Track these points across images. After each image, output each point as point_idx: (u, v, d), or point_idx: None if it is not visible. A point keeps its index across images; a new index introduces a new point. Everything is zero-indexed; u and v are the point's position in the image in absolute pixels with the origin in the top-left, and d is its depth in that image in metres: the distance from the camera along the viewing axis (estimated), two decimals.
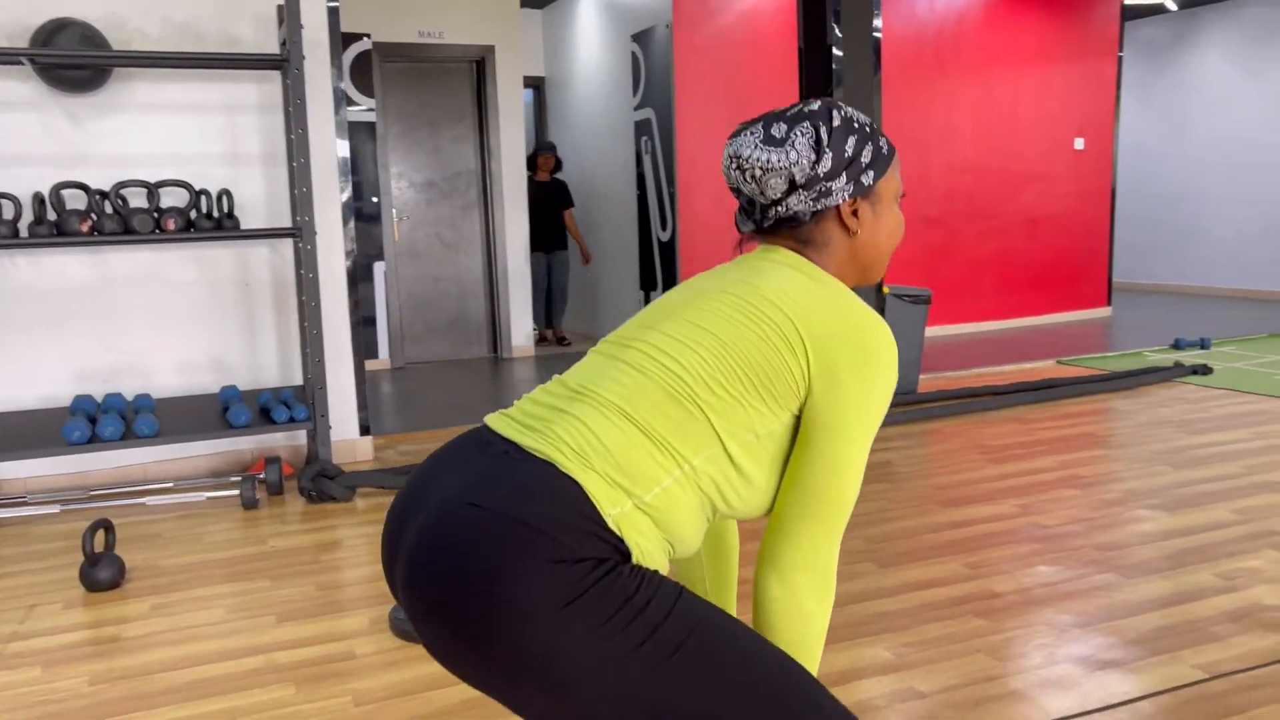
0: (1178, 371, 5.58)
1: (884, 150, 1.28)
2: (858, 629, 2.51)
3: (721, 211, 6.73)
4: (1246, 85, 9.02)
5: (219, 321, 4.14)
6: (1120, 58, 8.01)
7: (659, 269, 6.93)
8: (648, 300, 7.17)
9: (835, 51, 4.98)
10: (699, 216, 6.68)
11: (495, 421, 1.21)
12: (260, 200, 4.14)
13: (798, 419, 1.17)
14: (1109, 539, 3.10)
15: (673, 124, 6.57)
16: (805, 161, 1.22)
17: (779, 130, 1.24)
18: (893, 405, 4.96)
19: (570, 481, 1.07)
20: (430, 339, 7.33)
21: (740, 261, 1.30)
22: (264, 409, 3.96)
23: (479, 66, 7.19)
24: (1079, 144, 7.92)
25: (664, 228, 6.81)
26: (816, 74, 5.10)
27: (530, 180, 7.50)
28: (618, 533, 1.06)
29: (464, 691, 2.26)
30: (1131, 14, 9.48)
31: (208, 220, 3.79)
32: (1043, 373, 5.90)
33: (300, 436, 4.31)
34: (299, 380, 4.28)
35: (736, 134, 1.29)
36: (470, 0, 6.84)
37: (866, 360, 1.14)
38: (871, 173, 1.26)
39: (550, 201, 7.53)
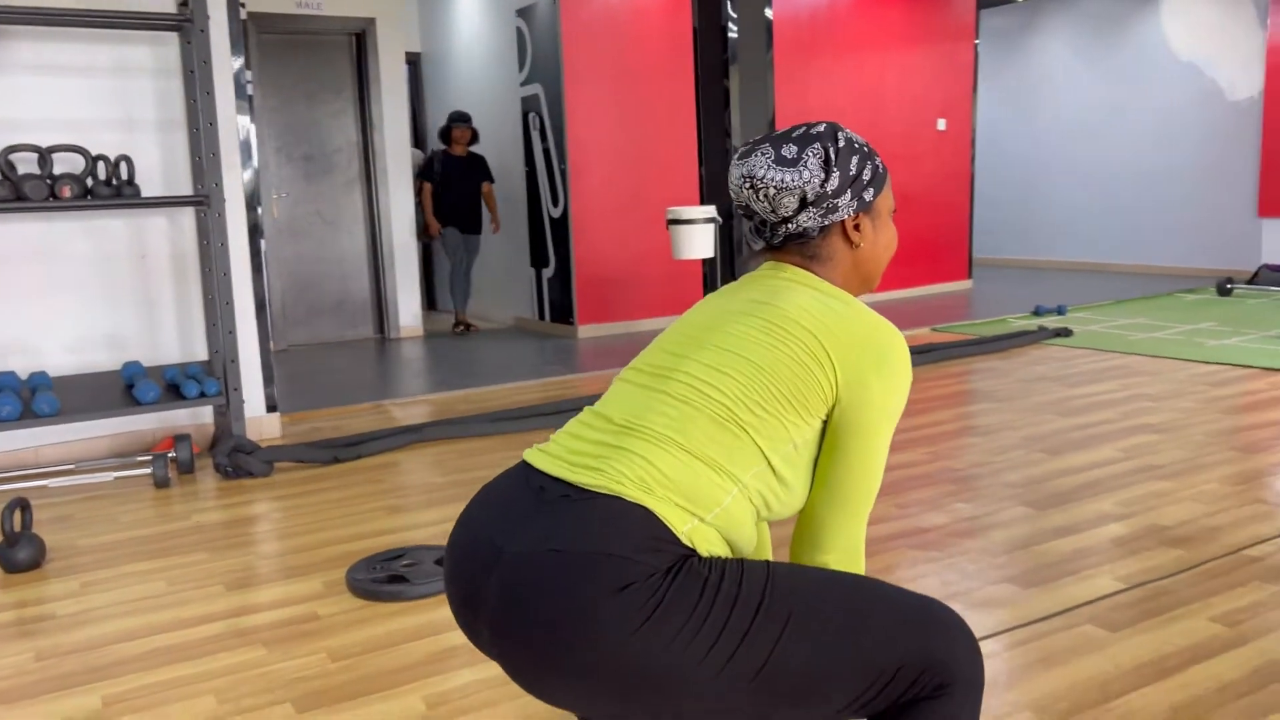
0: (1043, 334, 6.00)
1: (880, 169, 1.37)
2: None
3: (613, 187, 6.80)
4: (1087, 72, 9.71)
5: (114, 296, 3.94)
6: (976, 45, 8.49)
7: (550, 246, 6.95)
8: (539, 277, 7.18)
9: (730, 34, 5.12)
10: (591, 191, 6.74)
11: (542, 462, 1.23)
12: (156, 168, 3.96)
13: (825, 424, 1.25)
14: (1015, 478, 3.35)
15: (562, 99, 6.59)
16: (816, 180, 1.30)
17: (789, 151, 1.31)
18: None
19: (639, 508, 1.12)
20: (314, 320, 7.13)
21: (752, 281, 1.36)
22: (171, 385, 3.81)
23: (359, 39, 7.02)
24: (941, 125, 8.36)
25: (555, 204, 6.83)
26: (712, 53, 5.23)
27: (444, 154, 7.09)
28: (690, 544, 1.13)
29: (438, 643, 2.27)
30: (984, 3, 10.03)
31: (106, 188, 3.61)
32: (921, 339, 6.23)
33: (204, 414, 4.16)
34: (201, 356, 4.13)
35: (745, 155, 1.35)
36: None
37: (887, 365, 1.24)
38: (871, 190, 1.35)
39: (468, 176, 7.10)
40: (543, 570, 1.09)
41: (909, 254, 8.30)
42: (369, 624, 2.38)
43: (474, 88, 7.73)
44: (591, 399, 4.64)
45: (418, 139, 8.65)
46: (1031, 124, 10.26)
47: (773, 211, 1.33)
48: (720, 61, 5.21)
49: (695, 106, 5.42)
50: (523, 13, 6.93)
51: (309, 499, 3.41)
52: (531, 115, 6.97)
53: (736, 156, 1.37)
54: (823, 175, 1.31)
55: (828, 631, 1.11)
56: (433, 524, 3.10)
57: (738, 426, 1.19)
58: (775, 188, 1.31)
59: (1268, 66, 8.38)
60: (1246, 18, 8.55)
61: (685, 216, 5.17)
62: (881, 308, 7.63)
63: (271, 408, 4.29)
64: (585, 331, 6.83)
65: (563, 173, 6.69)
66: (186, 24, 3.59)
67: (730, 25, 5.13)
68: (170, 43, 3.93)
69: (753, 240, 1.40)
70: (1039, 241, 10.36)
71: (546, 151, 6.84)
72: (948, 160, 8.44)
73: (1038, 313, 7.03)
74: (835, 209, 1.33)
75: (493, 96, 7.48)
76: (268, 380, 4.26)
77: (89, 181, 3.63)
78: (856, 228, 1.35)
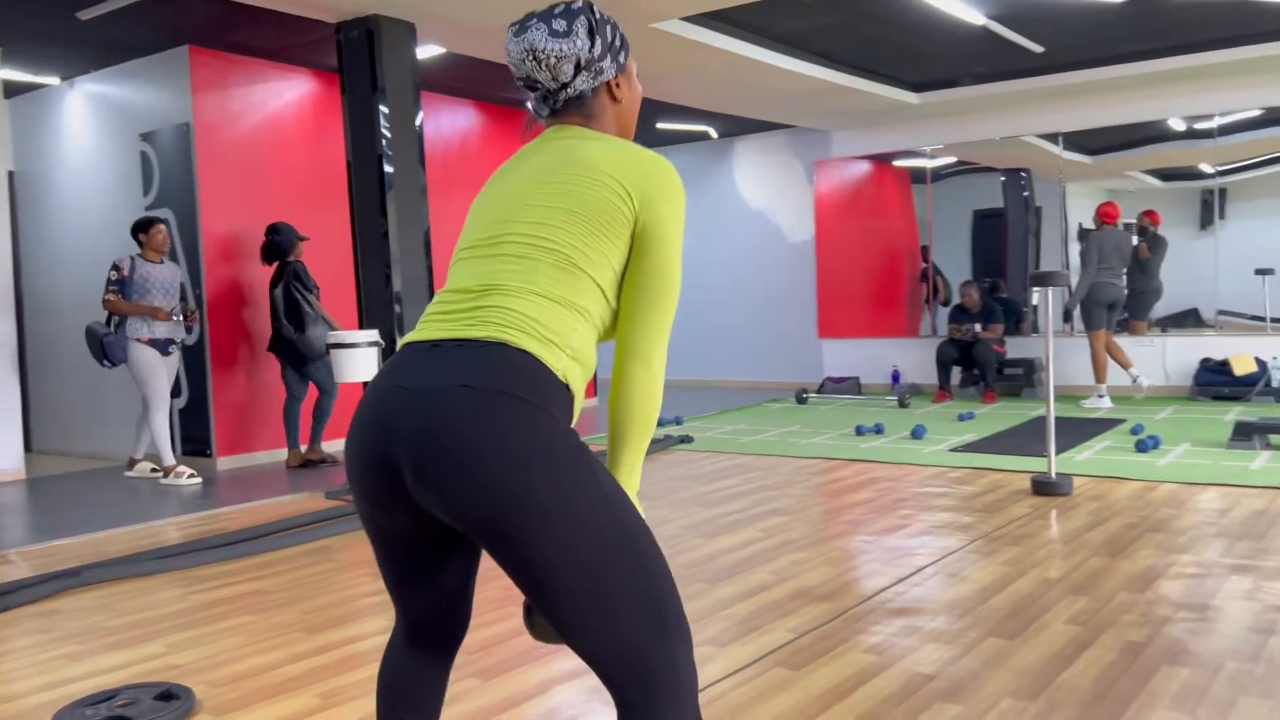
0: (670, 441, 6.74)
1: (624, 36, 1.68)
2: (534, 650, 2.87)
3: (254, 312, 6.66)
4: None
5: None
6: None
7: (183, 372, 6.60)
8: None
9: (387, 168, 5.39)
10: (229, 316, 6.54)
11: (425, 334, 1.43)
12: None
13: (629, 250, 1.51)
14: (686, 560, 3.82)
15: (197, 223, 6.40)
16: (585, 46, 1.54)
17: (560, 25, 1.53)
18: None
19: (524, 354, 1.36)
20: None
21: (540, 147, 1.56)
22: None
23: None
24: None
25: (189, 331, 6.53)
26: (369, 184, 5.46)
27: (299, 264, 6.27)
28: (565, 380, 1.39)
29: None
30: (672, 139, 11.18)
31: None
32: None
33: None
34: None
35: (520, 33, 1.54)
36: None
37: (669, 186, 1.50)
38: (624, 53, 1.60)
39: None
40: (456, 401, 1.30)
41: None
42: None
43: (87, 210, 7.22)
44: (245, 533, 4.50)
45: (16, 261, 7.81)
46: None
47: (554, 79, 1.55)
48: (377, 192, 5.44)
49: (351, 234, 5.57)
50: (148, 136, 6.69)
51: None
52: None
53: (513, 34, 1.58)
54: (589, 42, 1.54)
55: (637, 560, 1.35)
56: (128, 665, 2.91)
57: (573, 267, 1.43)
58: (556, 57, 1.53)
59: (816, 216, 10.20)
60: (798, 176, 10.37)
61: (348, 340, 5.27)
62: None
63: None
64: (226, 463, 6.52)
65: (198, 298, 6.45)
66: None
67: (385, 158, 5.40)
68: None
69: (539, 109, 1.60)
70: None
71: None
72: None
73: (660, 424, 7.85)
74: (601, 71, 1.57)
75: (109, 220, 7.04)
76: None
77: None
78: (618, 85, 1.60)
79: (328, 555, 4.16)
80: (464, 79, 7.64)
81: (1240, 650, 2.69)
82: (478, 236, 1.52)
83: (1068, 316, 8.82)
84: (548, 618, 1.35)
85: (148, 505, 5.34)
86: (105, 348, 5.87)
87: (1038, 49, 7.25)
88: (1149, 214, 8.50)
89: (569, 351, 1.42)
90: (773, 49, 6.88)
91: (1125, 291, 7.97)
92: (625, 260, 1.50)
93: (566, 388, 1.40)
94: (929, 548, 3.90)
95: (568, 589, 1.32)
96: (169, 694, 2.57)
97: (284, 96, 6.90)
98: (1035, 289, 7.26)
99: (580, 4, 1.57)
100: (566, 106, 1.58)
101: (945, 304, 9.57)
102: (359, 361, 5.30)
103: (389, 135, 5.42)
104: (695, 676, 1.41)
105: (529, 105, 1.62)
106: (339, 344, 5.28)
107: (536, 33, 1.53)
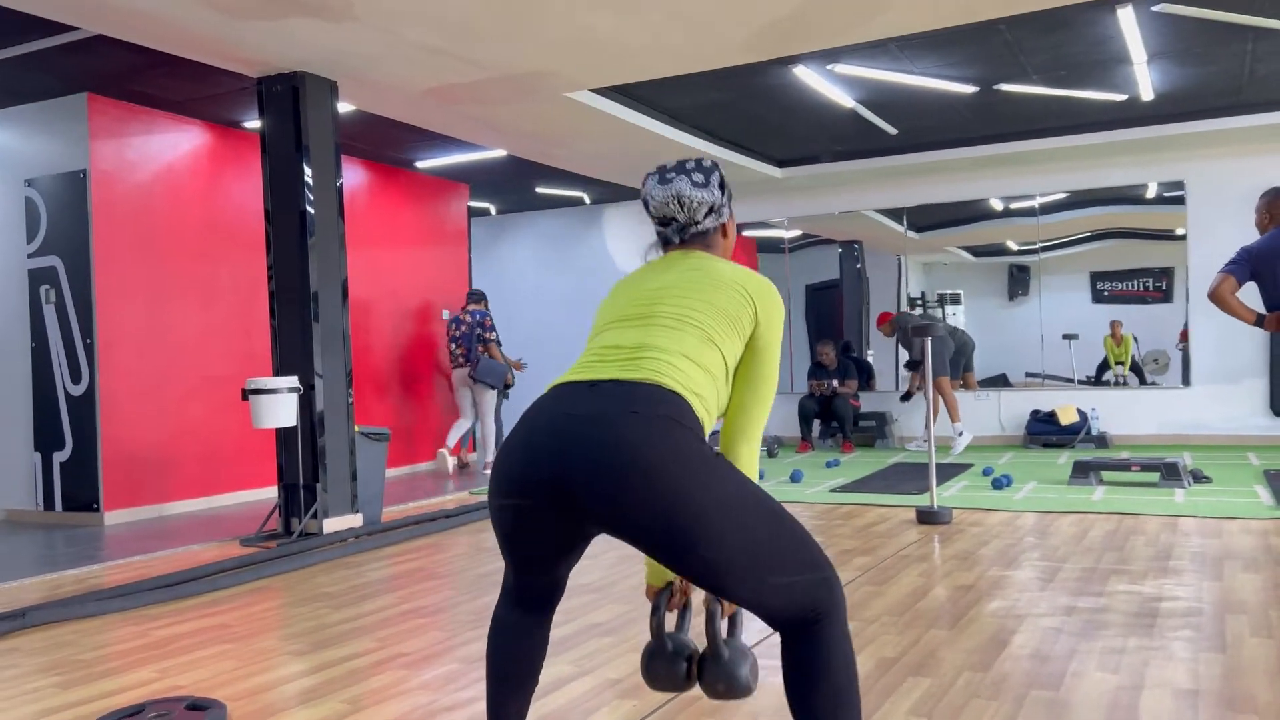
0: None
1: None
2: None
3: (147, 361, 6.52)
4: (548, 275, 11.47)
5: None
6: (470, 247, 9.70)
7: (67, 424, 6.37)
8: (48, 462, 6.47)
9: (309, 210, 5.52)
10: (123, 366, 6.39)
11: (582, 375, 1.74)
12: None
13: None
14: (631, 584, 4.09)
15: (90, 272, 6.26)
16: (718, 195, 1.99)
17: (699, 179, 1.96)
18: (368, 533, 5.44)
19: (674, 394, 1.70)
20: None
21: (672, 263, 1.94)
22: None
23: None
24: (445, 315, 9.31)
25: (76, 381, 6.33)
26: (289, 231, 5.56)
27: None
28: (703, 423, 1.73)
29: None
30: (471, 214, 11.44)
31: None
32: (457, 500, 6.84)
33: None
34: None
35: (667, 183, 1.95)
36: None
37: (778, 303, 1.90)
38: (732, 201, 2.08)
39: None
40: (630, 422, 1.61)
41: (433, 426, 8.93)
42: None
43: None
44: (177, 576, 4.42)
45: None
46: (518, 316, 11.72)
47: (690, 218, 1.97)
48: (299, 244, 5.54)
49: (269, 284, 5.62)
50: (34, 182, 6.52)
51: None
52: (44, 288, 6.47)
53: (656, 181, 1.98)
54: (719, 192, 1.99)
55: (780, 520, 1.68)
56: (126, 689, 2.93)
57: (712, 343, 1.80)
58: (697, 202, 1.96)
59: None
60: None
61: (268, 386, 5.30)
62: (415, 476, 8.09)
63: None
64: (115, 518, 6.31)
65: (89, 348, 6.28)
66: None
67: (306, 214, 5.53)
68: None
69: (670, 238, 2.00)
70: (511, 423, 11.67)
71: (65, 325, 6.38)
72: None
73: None
74: (722, 214, 2.02)
75: None
76: None
77: None
78: (728, 226, 2.05)
79: (273, 594, 4.20)
80: (356, 137, 7.80)
81: (1138, 621, 3.22)
82: (626, 313, 1.87)
83: (911, 366, 9.71)
84: (719, 590, 1.64)
85: (45, 559, 5.14)
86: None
87: (893, 130, 8.09)
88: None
89: (705, 405, 1.77)
90: (663, 121, 7.41)
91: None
92: (739, 356, 1.88)
93: (702, 427, 1.75)
94: (848, 565, 4.33)
95: (736, 559, 1.62)
96: (197, 705, 2.64)
97: (180, 148, 6.88)
98: (916, 339, 7.98)
99: (710, 162, 2.00)
100: (693, 238, 1.99)
101: None
102: (280, 408, 5.34)
103: (312, 188, 5.55)
104: (844, 596, 1.75)
105: (657, 233, 2.03)
106: (259, 390, 5.31)
107: (681, 183, 1.95)
